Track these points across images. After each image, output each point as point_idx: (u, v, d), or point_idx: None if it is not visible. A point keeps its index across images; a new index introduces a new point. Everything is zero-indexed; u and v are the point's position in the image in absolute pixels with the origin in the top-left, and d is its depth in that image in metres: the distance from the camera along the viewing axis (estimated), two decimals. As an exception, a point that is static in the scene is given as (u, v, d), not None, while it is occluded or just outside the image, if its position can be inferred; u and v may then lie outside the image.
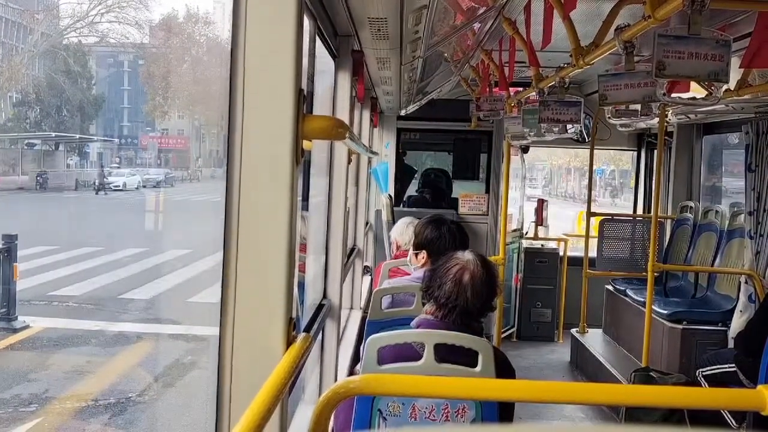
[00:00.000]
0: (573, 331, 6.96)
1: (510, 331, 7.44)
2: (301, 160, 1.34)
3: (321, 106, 3.12)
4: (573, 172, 39.39)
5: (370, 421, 2.43)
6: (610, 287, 6.85)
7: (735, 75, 4.23)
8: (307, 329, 2.50)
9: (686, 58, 2.08)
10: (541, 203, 7.93)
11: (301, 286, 2.91)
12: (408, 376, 1.70)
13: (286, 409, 1.38)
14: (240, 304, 1.31)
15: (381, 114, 7.08)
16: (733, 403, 1.71)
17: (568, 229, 9.32)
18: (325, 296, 3.08)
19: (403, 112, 6.92)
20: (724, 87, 4.29)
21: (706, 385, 4.76)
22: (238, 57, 1.30)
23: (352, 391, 1.51)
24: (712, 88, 2.70)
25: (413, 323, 2.61)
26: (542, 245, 7.82)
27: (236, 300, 1.31)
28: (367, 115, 5.32)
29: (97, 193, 32.56)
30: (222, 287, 1.32)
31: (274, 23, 1.30)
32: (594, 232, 7.01)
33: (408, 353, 2.41)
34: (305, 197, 2.34)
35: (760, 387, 1.53)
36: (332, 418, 2.60)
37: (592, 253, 6.92)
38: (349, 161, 3.21)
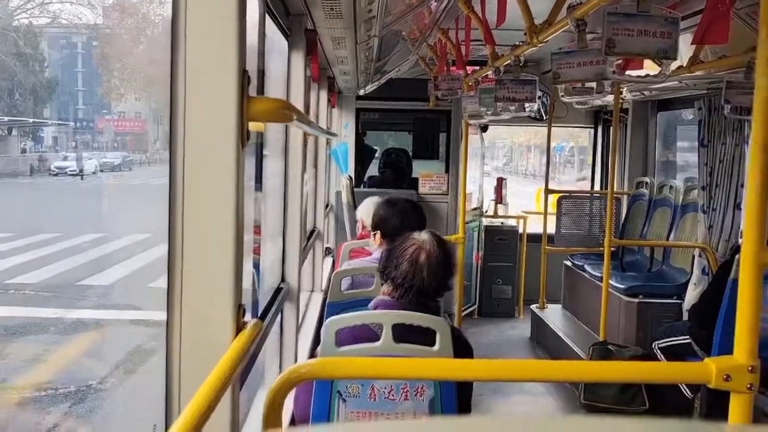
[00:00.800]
0: (533, 306, 7.05)
1: (471, 309, 7.51)
2: (246, 143, 1.31)
3: (276, 87, 3.08)
4: (533, 149, 39.73)
5: (330, 403, 2.43)
6: (568, 263, 6.95)
7: (688, 52, 4.29)
8: (264, 313, 2.48)
9: (635, 36, 2.09)
10: (500, 181, 7.99)
11: (257, 269, 2.88)
12: (362, 359, 1.70)
13: (237, 397, 1.36)
14: (186, 291, 1.28)
15: (339, 94, 7.02)
16: (682, 376, 1.74)
17: (528, 207, 9.41)
18: (283, 279, 3.05)
19: (361, 92, 6.87)
20: (677, 64, 4.34)
21: (662, 357, 4.87)
22: (178, 38, 1.26)
23: (304, 376, 1.50)
24: (663, 65, 2.72)
25: (371, 304, 2.61)
26: (502, 223, 7.89)
27: (182, 287, 1.28)
28: (324, 95, 5.28)
29: (54, 177, 31.84)
30: (168, 274, 1.30)
31: (216, 3, 1.26)
32: (552, 209, 7.09)
33: (366, 335, 2.41)
34: (258, 179, 2.31)
35: (706, 360, 1.56)
36: (292, 402, 2.60)
37: (551, 229, 7.01)
38: (305, 142, 3.18)
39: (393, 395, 2.49)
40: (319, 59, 3.78)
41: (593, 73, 2.70)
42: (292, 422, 2.64)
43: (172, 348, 1.32)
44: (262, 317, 2.41)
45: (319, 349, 2.48)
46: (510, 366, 1.93)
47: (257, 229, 2.42)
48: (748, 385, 1.50)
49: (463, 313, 6.98)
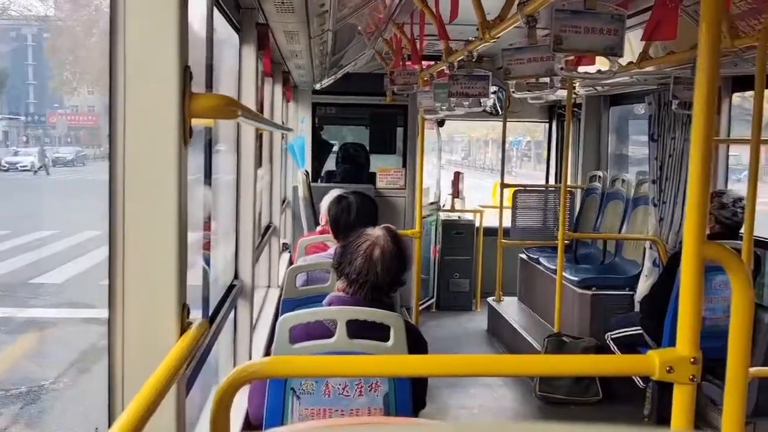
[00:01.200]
0: (489, 299, 7.12)
1: (429, 303, 7.55)
2: (189, 140, 1.29)
3: (228, 82, 3.04)
4: (491, 144, 40.05)
5: (284, 401, 2.42)
6: (524, 256, 7.03)
7: (639, 48, 4.36)
8: (216, 312, 2.45)
9: (583, 33, 2.12)
10: (457, 176, 8.03)
11: (209, 266, 2.84)
12: (314, 357, 1.69)
13: (183, 397, 1.34)
14: (129, 291, 1.25)
15: (295, 88, 6.97)
16: (627, 368, 1.77)
17: (486, 201, 9.48)
18: (236, 276, 3.02)
19: (318, 87, 6.83)
20: (627, 59, 4.42)
21: (615, 348, 4.96)
22: (117, 33, 1.23)
23: (254, 374, 1.49)
24: (611, 61, 2.77)
25: (325, 301, 2.60)
26: (459, 217, 7.94)
27: (124, 287, 1.25)
28: (279, 89, 5.23)
29: (5, 172, 30.96)
30: (109, 273, 1.27)
31: (156, -4, 1.24)
32: (509, 202, 7.16)
33: (321, 331, 2.40)
34: (208, 174, 2.27)
35: (650, 352, 1.59)
36: (246, 402, 2.58)
37: (507, 223, 7.08)
38: (259, 137, 3.15)
39: (347, 391, 2.48)
40: (272, 54, 3.74)
41: (543, 69, 2.72)
42: (247, 421, 2.62)
43: (114, 348, 1.29)
44: (213, 315, 2.38)
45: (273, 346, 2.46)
46: (462, 361, 1.93)
47: (208, 226, 2.38)
48: (691, 377, 1.54)
49: (421, 307, 7.01)
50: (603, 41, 2.13)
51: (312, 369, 1.61)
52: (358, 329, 2.41)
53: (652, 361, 1.54)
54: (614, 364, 1.73)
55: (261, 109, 3.99)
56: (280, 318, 2.34)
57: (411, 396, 2.51)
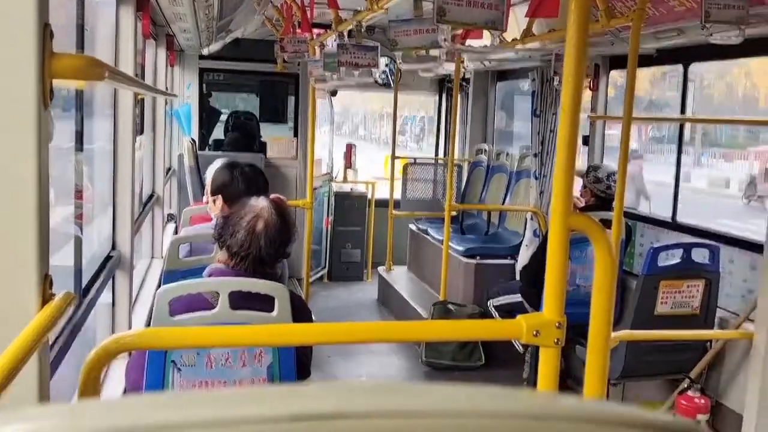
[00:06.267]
0: (380, 269, 7.23)
1: (321, 273, 7.57)
2: (50, 102, 1.22)
3: (104, 44, 2.89)
4: (386, 117, 40.26)
5: (164, 374, 2.36)
6: (413, 227, 7.16)
7: (524, 25, 4.49)
8: (90, 284, 2.35)
9: (465, 6, 2.15)
10: (350, 148, 8.05)
11: (82, 235, 2.72)
12: (186, 329, 1.66)
13: (46, 372, 1.28)
14: (-16, 262, 1.18)
15: (181, 53, 6.73)
16: (498, 332, 1.85)
17: (379, 173, 9.57)
18: (114, 248, 2.91)
19: (205, 52, 6.62)
20: (513, 35, 4.54)
21: (497, 314, 5.16)
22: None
23: (125, 346, 1.44)
24: (493, 35, 2.84)
25: (205, 273, 2.55)
26: (351, 189, 7.97)
27: (-21, 258, 1.18)
28: (162, 53, 5.03)
29: None
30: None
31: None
32: (400, 175, 7.25)
33: (202, 305, 2.35)
34: (79, 140, 2.16)
35: (519, 317, 1.66)
36: (123, 377, 2.50)
37: (398, 195, 7.18)
38: (139, 103, 3.02)
39: (231, 362, 2.46)
40: (155, 16, 3.59)
41: (429, 41, 2.76)
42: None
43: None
44: (87, 287, 2.29)
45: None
46: (343, 329, 1.95)
47: (80, 195, 2.27)
48: (555, 340, 1.62)
49: (313, 278, 7.02)
50: (485, 15, 2.17)
51: (186, 340, 1.59)
52: (241, 301, 2.38)
53: (520, 326, 1.61)
54: (487, 329, 1.80)
55: (142, 73, 3.83)
56: (159, 290, 2.28)
57: (295, 366, 2.52)
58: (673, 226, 4.67)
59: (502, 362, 5.33)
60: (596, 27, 3.48)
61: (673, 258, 3.81)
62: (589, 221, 1.71)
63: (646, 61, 4.79)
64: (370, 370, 5.34)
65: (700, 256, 3.81)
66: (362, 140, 34.63)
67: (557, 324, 1.62)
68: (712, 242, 3.93)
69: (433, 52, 4.82)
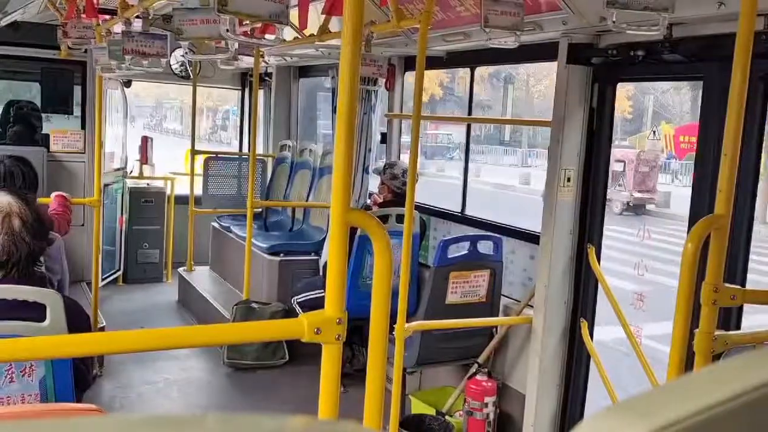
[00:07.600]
0: (181, 270, 6.95)
1: (115, 275, 7.12)
2: None
3: None
4: (204, 111, 38.91)
5: None
6: (216, 224, 6.96)
7: (320, 21, 4.50)
8: None
9: (249, -3, 2.10)
10: (145, 141, 7.64)
11: None
12: None
13: None
14: None
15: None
16: (281, 332, 1.82)
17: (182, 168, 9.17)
18: None
19: (-23, 34, 5.96)
20: (311, 31, 4.54)
21: (300, 311, 5.15)
22: None
23: None
24: (278, 29, 2.80)
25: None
26: (148, 184, 7.57)
27: None
28: None
29: None
30: None
31: None
32: (201, 170, 7.02)
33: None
34: None
35: (301, 316, 1.65)
36: None
37: (199, 191, 6.94)
38: None
39: (-5, 379, 2.23)
40: None
41: (216, 31, 2.66)
42: None
43: None
44: None
45: None
46: (119, 338, 1.82)
47: None
48: (336, 336, 1.62)
49: (106, 281, 6.59)
50: (269, 7, 2.13)
51: None
52: (8, 311, 2.17)
53: (302, 324, 1.59)
54: (270, 329, 1.76)
55: None
56: None
57: (72, 378, 2.34)
58: (462, 219, 4.94)
59: (307, 358, 5.33)
60: (387, 27, 3.57)
61: (462, 250, 4.03)
62: (367, 217, 1.73)
63: (437, 62, 5.02)
64: (168, 375, 5.11)
65: (485, 247, 4.05)
66: (178, 135, 33.22)
67: (338, 320, 1.62)
68: (495, 234, 4.21)
69: (234, 46, 4.69)
